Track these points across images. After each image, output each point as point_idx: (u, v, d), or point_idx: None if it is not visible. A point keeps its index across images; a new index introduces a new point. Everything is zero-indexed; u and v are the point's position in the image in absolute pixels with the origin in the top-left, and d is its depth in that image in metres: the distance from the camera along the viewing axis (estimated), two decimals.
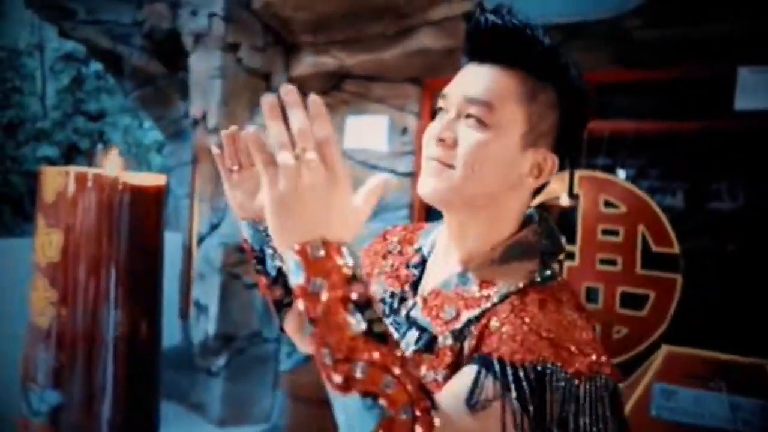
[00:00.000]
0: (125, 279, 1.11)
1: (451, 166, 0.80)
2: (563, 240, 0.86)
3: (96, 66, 15.67)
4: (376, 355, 0.59)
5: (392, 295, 0.93)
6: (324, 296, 0.59)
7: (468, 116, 0.79)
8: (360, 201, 0.63)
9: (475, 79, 0.81)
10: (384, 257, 1.01)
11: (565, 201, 2.58)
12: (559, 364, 0.67)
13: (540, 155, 0.81)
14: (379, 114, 3.43)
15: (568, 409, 0.66)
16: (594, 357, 0.70)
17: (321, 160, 0.59)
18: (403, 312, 0.88)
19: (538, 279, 0.80)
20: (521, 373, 0.66)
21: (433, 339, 0.81)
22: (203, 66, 3.49)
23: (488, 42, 0.80)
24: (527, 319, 0.71)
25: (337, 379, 0.60)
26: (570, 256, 2.51)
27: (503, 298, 0.77)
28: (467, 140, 0.79)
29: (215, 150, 0.99)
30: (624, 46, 2.69)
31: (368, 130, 3.45)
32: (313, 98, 0.59)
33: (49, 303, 1.07)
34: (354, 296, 0.59)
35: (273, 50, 3.54)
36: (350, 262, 0.60)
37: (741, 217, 2.69)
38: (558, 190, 2.58)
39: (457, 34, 0.85)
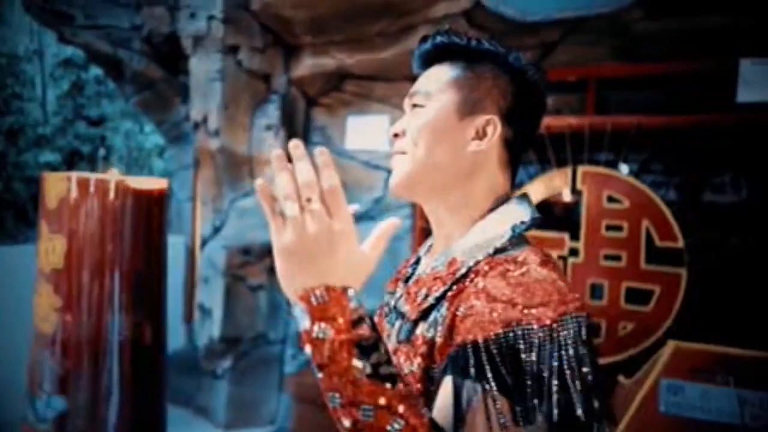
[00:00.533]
0: (129, 283, 1.11)
1: (404, 152, 0.86)
2: (536, 212, 0.86)
3: (96, 71, 15.71)
4: (381, 399, 0.61)
5: (391, 293, 0.96)
6: (329, 341, 0.61)
7: (413, 107, 0.88)
8: (368, 247, 0.66)
9: (419, 80, 0.91)
10: (398, 272, 1.05)
11: (567, 197, 2.57)
12: (525, 323, 0.67)
13: (481, 120, 0.84)
14: (380, 113, 3.42)
15: (544, 359, 0.66)
16: (557, 301, 0.70)
17: (326, 209, 0.62)
18: (392, 303, 0.92)
19: (504, 247, 0.80)
20: (494, 349, 0.66)
21: (413, 327, 0.82)
22: (203, 69, 3.49)
23: (428, 54, 0.91)
24: (491, 292, 0.71)
25: (346, 423, 0.62)
26: (574, 252, 2.50)
27: (468, 271, 0.79)
28: (410, 124, 0.87)
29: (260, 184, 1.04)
30: (624, 39, 2.69)
31: (370, 130, 3.45)
32: (320, 150, 0.62)
33: (54, 309, 1.07)
34: (359, 340, 0.62)
35: (273, 51, 3.53)
36: (354, 305, 0.62)
37: (744, 210, 2.69)
38: (560, 186, 2.57)
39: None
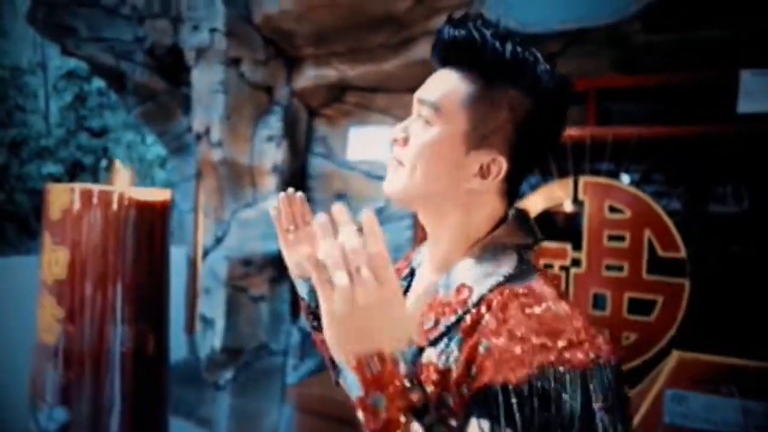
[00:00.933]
0: (132, 294, 1.11)
1: (402, 164, 0.83)
2: (539, 233, 0.85)
3: (98, 83, 15.79)
4: None
5: None
6: (383, 409, 0.62)
7: (420, 116, 0.83)
8: (411, 305, 0.66)
9: (431, 83, 0.84)
10: None
11: (569, 207, 2.57)
12: (557, 366, 0.66)
13: (487, 157, 0.80)
14: (381, 124, 3.44)
15: (577, 403, 0.65)
16: (588, 343, 0.68)
17: (374, 276, 0.60)
18: None
19: (514, 275, 0.78)
20: (525, 393, 0.65)
21: (419, 351, 0.79)
22: (205, 80, 3.51)
23: (447, 49, 0.83)
24: (515, 331, 0.70)
25: None
26: (576, 262, 2.50)
27: (479, 301, 0.77)
28: (414, 139, 0.82)
29: (272, 211, 1.04)
30: (625, 51, 2.70)
31: (371, 141, 3.46)
32: (367, 215, 0.61)
33: (56, 320, 1.07)
34: (412, 405, 0.62)
35: (274, 63, 3.55)
36: (406, 370, 0.63)
37: (746, 220, 2.69)
38: (562, 197, 2.57)
39: None
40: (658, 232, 2.38)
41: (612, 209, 2.47)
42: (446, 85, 0.81)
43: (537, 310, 0.72)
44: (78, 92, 17.47)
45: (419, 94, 0.84)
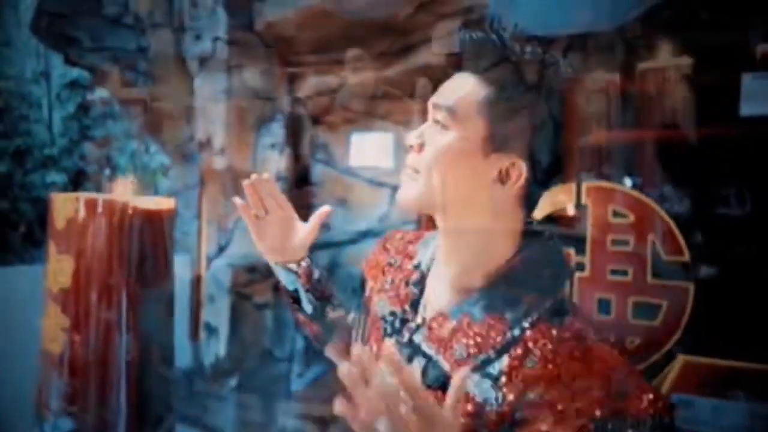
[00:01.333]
0: (136, 303, 1.11)
1: (418, 171, 0.80)
2: (570, 264, 0.84)
3: (101, 92, 15.82)
4: None
5: (392, 314, 0.89)
6: None
7: (436, 122, 0.80)
8: (449, 404, 0.64)
9: (447, 87, 0.82)
10: (383, 272, 0.97)
11: (572, 212, 2.57)
12: (615, 417, 0.66)
13: (507, 160, 0.77)
14: (383, 131, 3.44)
15: None
16: (642, 390, 0.68)
17: (411, 407, 0.58)
18: (406, 335, 0.84)
19: (550, 309, 0.75)
20: None
21: (445, 375, 0.76)
22: (208, 89, 3.52)
23: (465, 55, 0.81)
24: (568, 379, 0.68)
25: None
26: (580, 267, 2.49)
27: (515, 339, 0.74)
28: (430, 144, 0.79)
29: (238, 201, 1.04)
30: (626, 54, 2.70)
31: (373, 148, 3.46)
32: (388, 350, 0.59)
33: (62, 329, 1.07)
34: None
35: (276, 71, 3.56)
36: None
37: (750, 223, 2.68)
38: (565, 201, 2.57)
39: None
40: (662, 236, 2.38)
41: (615, 214, 2.46)
42: (462, 88, 0.79)
43: (584, 353, 0.71)
44: (81, 102, 17.52)
45: (434, 99, 0.82)
